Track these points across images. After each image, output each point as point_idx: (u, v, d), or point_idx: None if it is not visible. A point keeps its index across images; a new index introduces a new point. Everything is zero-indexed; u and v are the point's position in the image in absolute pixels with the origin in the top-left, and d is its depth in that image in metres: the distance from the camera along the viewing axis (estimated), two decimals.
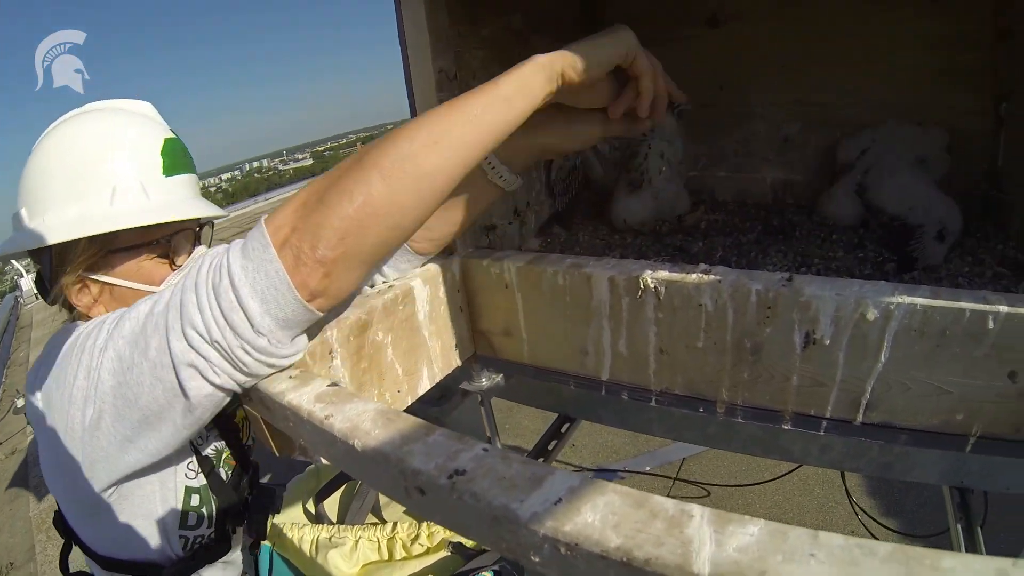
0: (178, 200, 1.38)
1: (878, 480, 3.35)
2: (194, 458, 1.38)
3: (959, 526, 1.63)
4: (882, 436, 1.15)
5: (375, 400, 1.23)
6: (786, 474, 3.31)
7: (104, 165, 1.30)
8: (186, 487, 1.35)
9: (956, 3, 1.81)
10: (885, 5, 1.87)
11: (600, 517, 0.59)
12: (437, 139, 0.93)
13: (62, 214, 1.26)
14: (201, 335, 0.90)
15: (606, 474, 3.62)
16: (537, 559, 0.62)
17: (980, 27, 1.79)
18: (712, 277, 1.14)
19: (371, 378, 1.24)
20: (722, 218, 2.04)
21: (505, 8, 1.70)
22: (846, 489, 2.97)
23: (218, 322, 0.89)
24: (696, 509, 0.59)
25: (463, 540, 1.82)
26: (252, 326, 0.89)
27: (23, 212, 1.29)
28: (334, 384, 0.94)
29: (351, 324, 1.19)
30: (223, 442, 1.49)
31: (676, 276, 1.16)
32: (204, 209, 1.41)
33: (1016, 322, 0.96)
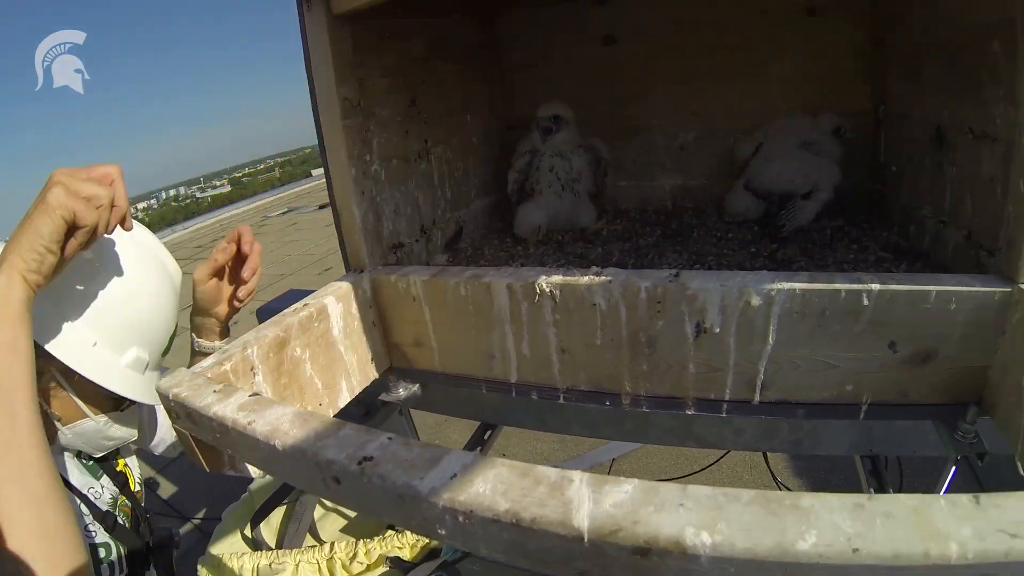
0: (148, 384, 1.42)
1: (804, 462, 3.48)
2: (90, 514, 1.40)
3: (871, 491, 1.70)
4: (781, 412, 1.23)
5: None
6: (713, 464, 3.41)
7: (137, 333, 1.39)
8: (91, 545, 1.36)
9: (833, 15, 1.98)
10: (767, 20, 2.03)
11: (491, 487, 0.67)
12: None
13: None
14: None
15: None
16: (443, 531, 0.69)
17: (857, 37, 1.97)
18: (603, 278, 1.21)
19: (292, 392, 1.28)
20: (623, 226, 2.13)
21: (407, 35, 1.76)
22: (771, 473, 3.09)
23: None
24: (576, 475, 0.67)
25: (399, 554, 1.84)
26: None
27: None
28: (255, 394, 0.98)
29: (270, 341, 1.23)
30: (116, 489, 1.52)
31: (570, 279, 1.23)
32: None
33: (888, 297, 1.06)
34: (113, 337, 1.32)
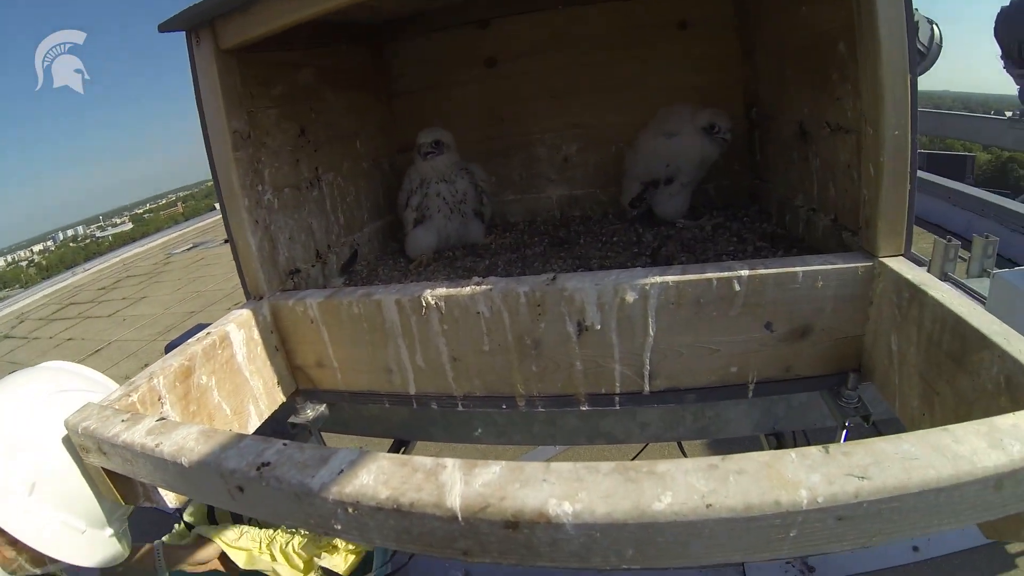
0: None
1: (722, 448, 3.59)
2: None
3: None
4: (671, 399, 1.33)
5: None
6: (637, 455, 3.49)
7: None
8: None
9: (702, 30, 2.14)
10: (640, 35, 2.17)
11: (373, 478, 0.74)
12: None
13: None
14: None
15: None
16: (338, 526, 0.76)
17: (726, 48, 2.13)
18: (484, 287, 1.29)
19: (201, 420, 1.31)
20: (512, 238, 2.22)
21: (295, 65, 1.81)
22: (683, 451, 3.20)
23: None
24: (449, 461, 0.74)
25: (335, 569, 1.89)
26: None
27: None
28: (162, 418, 1.02)
29: (175, 370, 1.25)
30: None
31: (452, 291, 1.30)
32: None
33: (758, 281, 1.17)
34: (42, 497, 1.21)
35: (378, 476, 0.74)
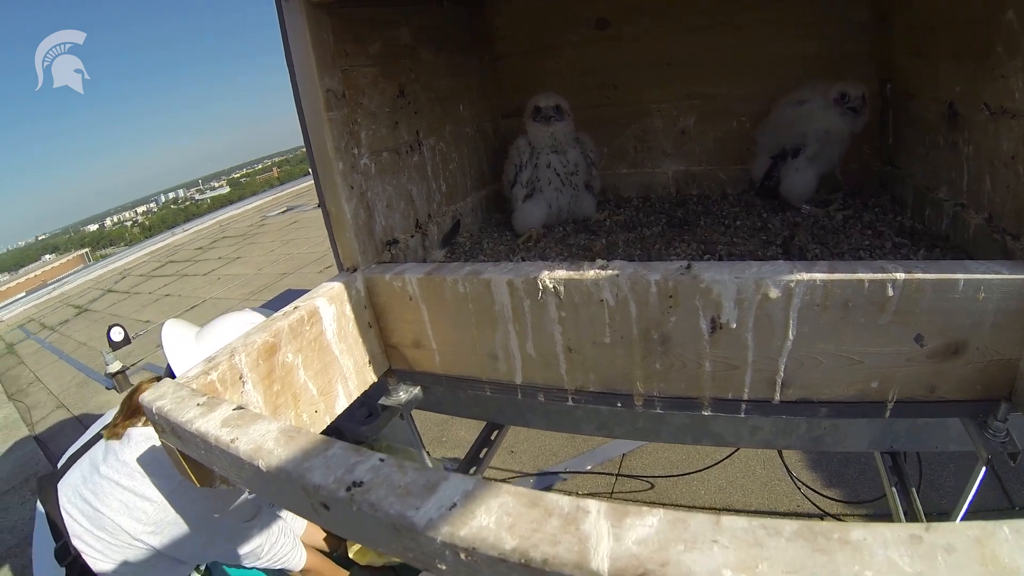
0: None
1: (818, 453, 3.43)
2: None
3: (894, 489, 1.67)
4: (803, 412, 1.17)
5: (292, 422, 1.20)
6: (726, 458, 3.35)
7: None
8: None
9: None
10: None
11: (495, 519, 0.59)
12: None
13: None
14: None
15: (548, 478, 3.60)
16: (443, 567, 0.61)
17: (860, 13, 1.89)
18: (610, 272, 1.14)
19: (286, 400, 1.21)
20: (627, 215, 2.06)
21: (391, 23, 1.68)
22: (785, 467, 3.03)
23: None
24: (592, 504, 0.58)
25: None
26: None
27: None
28: (240, 408, 0.92)
29: (259, 347, 1.15)
30: None
31: (574, 274, 1.16)
32: None
33: (915, 287, 1.00)
34: None
35: (501, 518, 0.59)
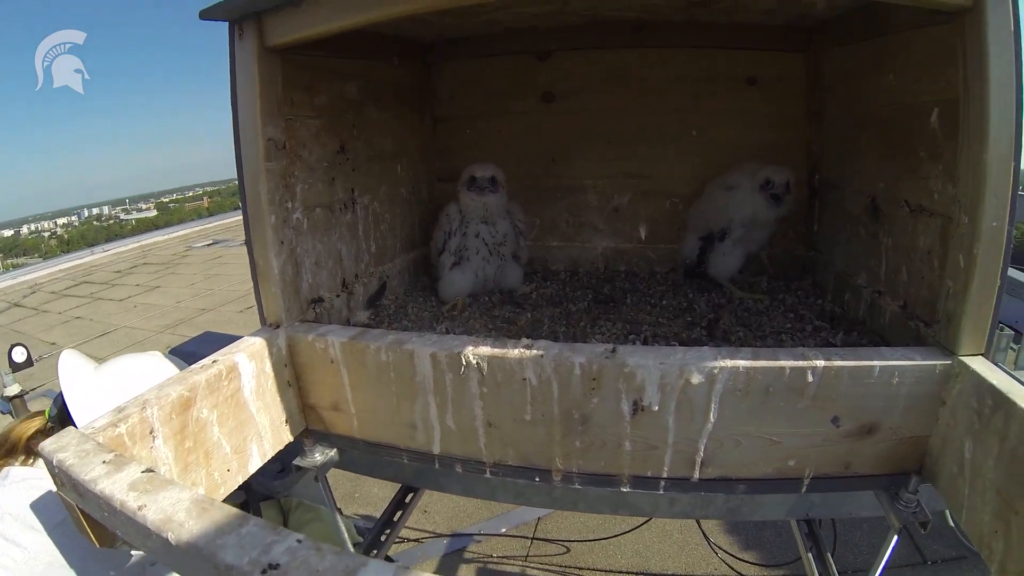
0: None
1: (745, 528, 3.46)
2: None
3: (810, 555, 1.71)
4: (721, 489, 1.21)
5: (203, 481, 1.15)
6: (643, 524, 3.37)
7: None
8: None
9: (771, 87, 2.01)
10: (707, 87, 2.04)
11: None
12: None
13: None
14: None
15: (462, 539, 3.53)
16: None
17: (794, 108, 2.00)
18: (535, 352, 1.14)
19: (197, 458, 1.16)
20: (554, 289, 2.08)
21: (342, 76, 1.68)
22: (703, 532, 3.07)
23: None
24: None
25: None
26: None
27: None
28: (148, 470, 0.86)
29: (173, 401, 1.11)
30: None
31: (498, 351, 1.16)
32: None
33: (833, 373, 1.07)
34: None
35: None
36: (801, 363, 1.07)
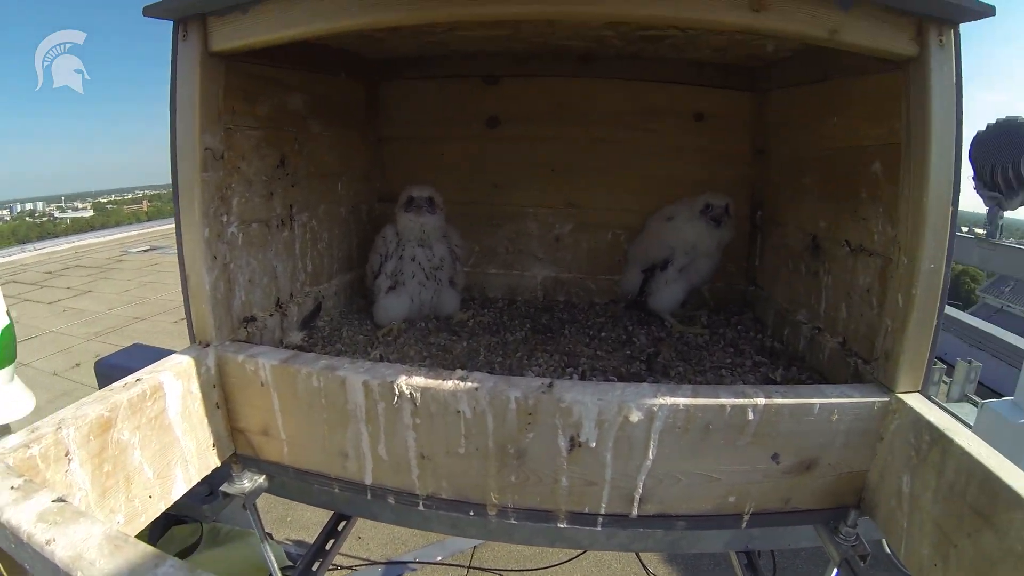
0: None
1: (685, 560, 3.48)
2: None
3: None
4: (660, 525, 1.21)
5: (123, 508, 1.09)
6: (580, 554, 3.36)
7: None
8: None
9: (718, 124, 2.05)
10: (653, 121, 2.06)
11: None
12: None
13: None
14: None
15: (396, 567, 3.46)
16: None
17: (739, 145, 2.05)
18: (469, 384, 1.12)
19: (116, 483, 1.09)
20: (491, 317, 2.07)
21: (286, 87, 1.65)
22: (641, 562, 3.06)
23: None
24: None
25: None
26: None
27: None
28: (60, 499, 0.81)
29: (91, 421, 1.04)
30: None
31: (432, 382, 1.14)
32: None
33: (773, 411, 1.08)
34: None
35: None
36: (742, 401, 1.07)
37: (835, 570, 1.24)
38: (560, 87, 2.08)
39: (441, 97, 2.17)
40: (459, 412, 1.13)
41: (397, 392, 1.14)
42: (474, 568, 3.50)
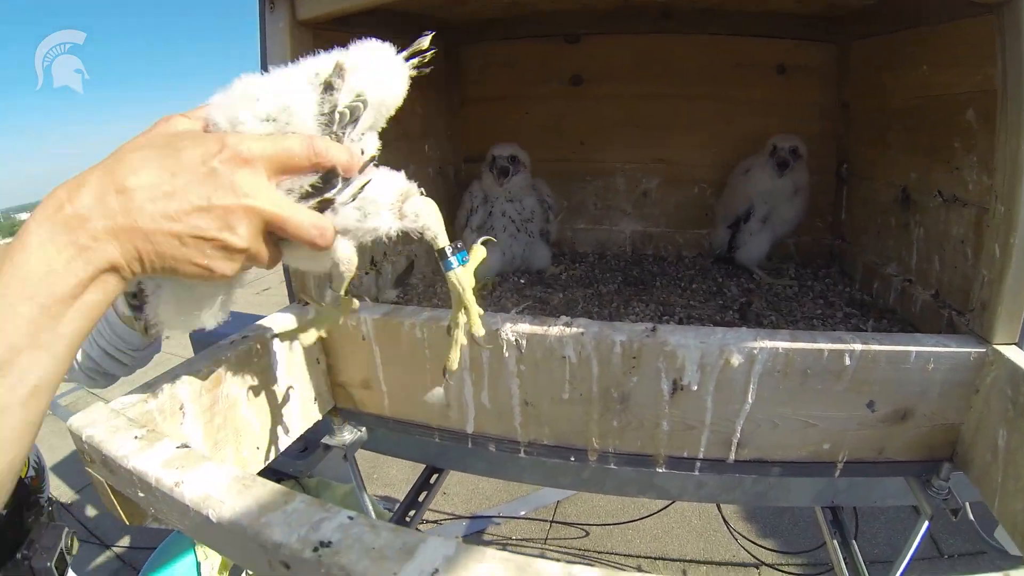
0: None
1: (768, 513, 3.46)
2: None
3: (835, 542, 1.67)
4: (755, 471, 1.20)
5: (232, 459, 1.13)
6: (662, 509, 3.37)
7: None
8: None
9: (801, 77, 2.00)
10: (739, 76, 2.02)
11: None
12: None
13: None
14: None
15: (481, 521, 3.54)
16: None
17: (824, 98, 1.99)
18: (575, 329, 1.13)
19: (226, 435, 1.14)
20: (582, 271, 2.07)
21: None
22: (723, 517, 3.06)
23: None
24: (584, 571, 0.55)
25: None
26: None
27: None
28: (183, 446, 0.84)
29: (203, 378, 1.09)
30: None
31: (538, 329, 1.15)
32: None
33: (870, 358, 1.05)
34: None
35: None
36: (839, 346, 1.05)
37: (926, 524, 1.22)
38: (641, 44, 2.05)
39: (522, 58, 2.17)
40: (564, 358, 1.14)
41: (503, 340, 1.16)
42: (557, 522, 3.54)
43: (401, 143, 1.86)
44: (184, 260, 0.67)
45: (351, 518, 0.64)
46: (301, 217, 0.72)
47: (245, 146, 0.68)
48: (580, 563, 0.54)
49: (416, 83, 1.77)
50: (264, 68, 1.29)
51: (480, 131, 2.24)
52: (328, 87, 0.77)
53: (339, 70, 0.78)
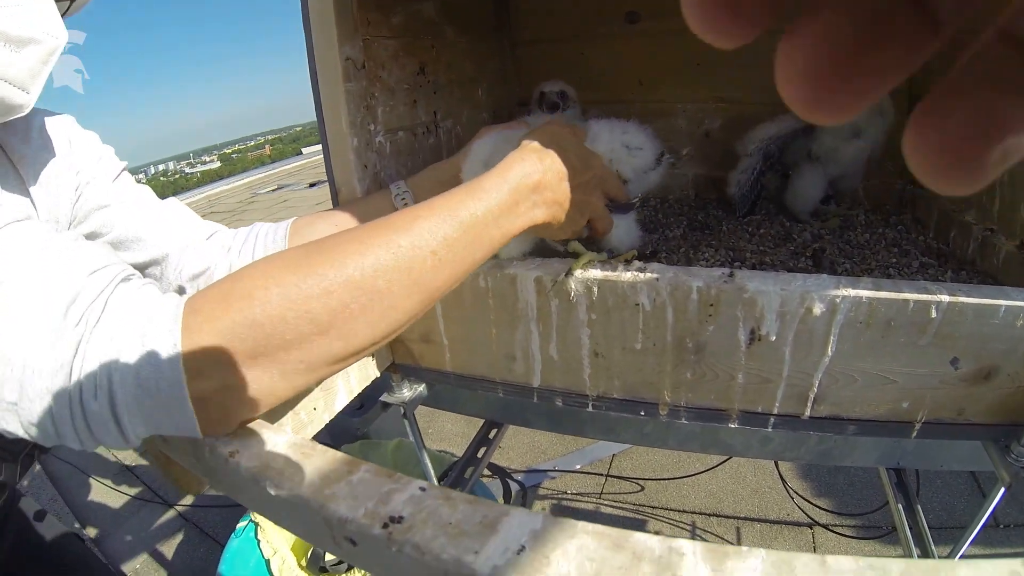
0: None
1: (827, 472, 3.42)
2: None
3: (899, 505, 1.64)
4: (831, 428, 1.12)
5: (289, 422, 1.10)
6: (718, 465, 3.34)
7: None
8: None
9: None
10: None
11: (576, 567, 0.48)
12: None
13: None
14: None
15: (537, 475, 3.56)
16: None
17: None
18: (649, 275, 1.06)
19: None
20: (646, 215, 1.99)
21: None
22: (779, 474, 3.01)
23: (81, 435, 0.67)
24: (686, 545, 0.49)
25: None
26: (125, 439, 0.69)
27: None
28: None
29: None
30: None
31: (610, 275, 1.08)
32: None
33: (957, 310, 0.96)
34: None
35: (583, 564, 0.48)
36: (925, 297, 0.96)
37: (1002, 491, 1.13)
38: None
39: None
40: (638, 305, 1.07)
41: (573, 287, 1.10)
42: (612, 476, 3.53)
43: (455, 88, 1.79)
44: (569, 223, 1.06)
45: (423, 489, 0.59)
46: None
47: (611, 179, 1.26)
48: (663, 531, 0.48)
49: (468, 26, 1.70)
50: (306, 17, 1.25)
51: (533, 74, 2.15)
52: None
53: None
